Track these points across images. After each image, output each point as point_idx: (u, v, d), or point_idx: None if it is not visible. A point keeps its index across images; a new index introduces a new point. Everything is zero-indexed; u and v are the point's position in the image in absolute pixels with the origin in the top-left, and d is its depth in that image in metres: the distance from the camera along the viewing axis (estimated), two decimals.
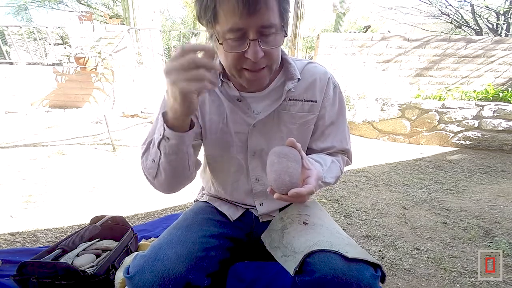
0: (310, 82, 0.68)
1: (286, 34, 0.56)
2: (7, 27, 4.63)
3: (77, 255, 0.98)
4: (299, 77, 0.65)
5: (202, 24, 0.55)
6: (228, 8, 0.48)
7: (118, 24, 5.13)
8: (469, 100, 3.33)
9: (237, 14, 0.48)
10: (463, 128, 3.18)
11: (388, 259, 1.28)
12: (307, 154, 0.75)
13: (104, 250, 1.06)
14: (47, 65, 4.49)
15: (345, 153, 0.75)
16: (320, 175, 0.57)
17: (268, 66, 0.57)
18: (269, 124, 0.68)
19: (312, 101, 0.68)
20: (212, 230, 0.64)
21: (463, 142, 3.22)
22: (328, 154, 0.73)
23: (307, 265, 0.52)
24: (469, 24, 6.53)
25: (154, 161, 0.56)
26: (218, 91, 0.67)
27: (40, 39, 6.32)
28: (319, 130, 0.72)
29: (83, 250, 1.02)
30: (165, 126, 0.51)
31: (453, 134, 3.24)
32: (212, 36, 0.55)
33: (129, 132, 3.43)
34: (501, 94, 3.25)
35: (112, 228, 1.17)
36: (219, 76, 0.64)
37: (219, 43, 0.53)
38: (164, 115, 0.52)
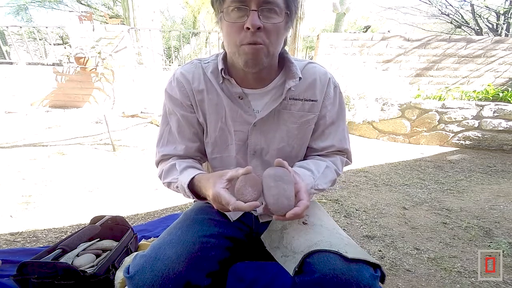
0: (310, 82, 0.68)
1: (289, 20, 0.59)
2: (7, 27, 4.62)
3: (77, 255, 0.98)
4: (300, 76, 0.65)
5: (213, 8, 0.60)
6: None
7: (118, 24, 5.13)
8: (469, 100, 3.33)
9: None
10: (463, 128, 3.18)
11: (388, 259, 1.28)
12: (307, 154, 0.76)
13: (104, 250, 1.06)
14: (47, 65, 4.48)
15: (344, 153, 0.76)
16: (309, 186, 0.60)
17: (265, 44, 0.56)
18: (270, 123, 0.68)
19: (312, 100, 0.68)
20: (212, 230, 0.64)
21: (463, 142, 3.22)
22: (327, 154, 0.74)
23: (306, 265, 0.52)
24: (469, 24, 6.53)
25: (179, 192, 0.67)
26: (219, 88, 0.66)
27: (40, 39, 6.34)
28: (320, 129, 0.72)
29: (83, 250, 1.02)
30: (195, 198, 0.63)
31: (453, 134, 3.23)
32: (218, 16, 0.59)
33: (129, 132, 3.43)
34: (501, 94, 3.25)
35: (112, 228, 1.17)
36: (221, 73, 0.64)
37: (220, 12, 0.57)
38: (194, 188, 0.62)
